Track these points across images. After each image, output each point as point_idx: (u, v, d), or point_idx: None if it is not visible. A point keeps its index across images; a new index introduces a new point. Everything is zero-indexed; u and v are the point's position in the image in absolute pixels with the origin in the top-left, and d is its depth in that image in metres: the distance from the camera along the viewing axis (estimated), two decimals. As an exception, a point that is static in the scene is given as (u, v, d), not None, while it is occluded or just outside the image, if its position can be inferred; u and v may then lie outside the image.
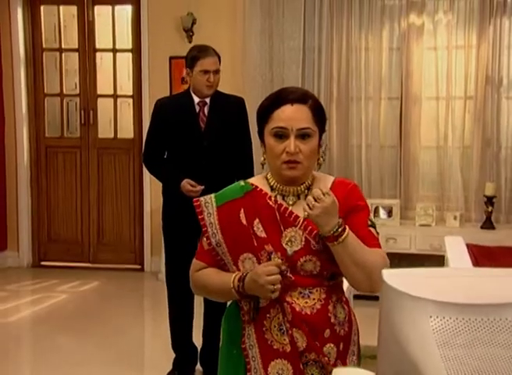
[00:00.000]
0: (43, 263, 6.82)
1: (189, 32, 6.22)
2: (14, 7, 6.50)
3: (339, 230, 1.89)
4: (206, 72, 3.83)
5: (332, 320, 2.00)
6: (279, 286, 1.89)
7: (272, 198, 2.03)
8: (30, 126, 6.70)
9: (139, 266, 6.65)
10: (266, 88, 6.05)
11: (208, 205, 2.05)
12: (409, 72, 5.96)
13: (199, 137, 3.88)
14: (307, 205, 1.89)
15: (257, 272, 1.90)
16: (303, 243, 1.97)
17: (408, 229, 5.67)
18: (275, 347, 1.96)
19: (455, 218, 5.70)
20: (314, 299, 1.98)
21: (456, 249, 3.84)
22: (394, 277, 1.31)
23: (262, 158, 2.06)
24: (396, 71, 6.01)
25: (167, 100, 4.16)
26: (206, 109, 3.91)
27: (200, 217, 2.04)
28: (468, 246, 3.98)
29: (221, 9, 6.20)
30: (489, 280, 1.30)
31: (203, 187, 3.75)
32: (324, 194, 1.88)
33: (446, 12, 5.84)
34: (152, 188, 6.42)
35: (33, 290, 6.05)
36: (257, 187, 2.06)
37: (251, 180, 2.11)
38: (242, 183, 2.09)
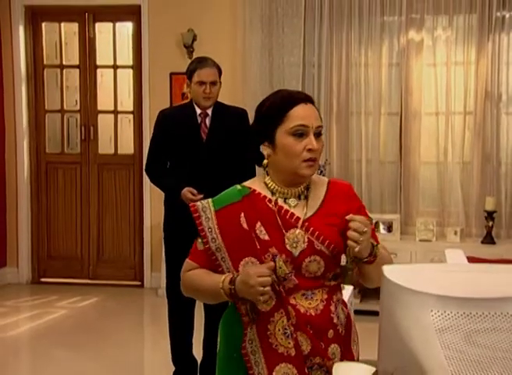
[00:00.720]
0: (42, 280, 6.81)
1: (189, 48, 6.27)
2: (15, 24, 6.56)
3: (376, 251, 1.94)
4: (202, 83, 3.87)
5: (335, 320, 2.01)
6: (269, 289, 1.88)
7: (272, 201, 2.04)
8: (30, 141, 6.73)
9: (139, 283, 6.64)
10: (266, 104, 6.09)
11: (206, 209, 2.04)
12: (408, 87, 6.00)
13: (200, 148, 3.91)
14: (354, 241, 1.86)
15: (249, 272, 1.89)
16: (306, 243, 1.99)
17: (409, 244, 5.67)
18: (279, 351, 1.95)
19: (455, 233, 5.71)
20: (317, 300, 1.99)
21: (456, 261, 3.84)
22: (395, 272, 1.32)
23: (266, 161, 2.06)
24: (395, 87, 6.05)
25: (169, 111, 4.20)
26: (208, 121, 3.95)
27: (197, 222, 2.03)
28: (469, 259, 3.98)
29: (221, 26, 6.26)
30: (489, 275, 1.31)
31: (202, 195, 3.76)
32: (362, 224, 1.87)
33: (445, 29, 5.90)
34: (152, 204, 6.44)
35: (33, 305, 6.03)
36: (254, 190, 2.06)
37: (248, 184, 2.11)
38: (239, 187, 2.08)
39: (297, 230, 2.00)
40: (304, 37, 6.06)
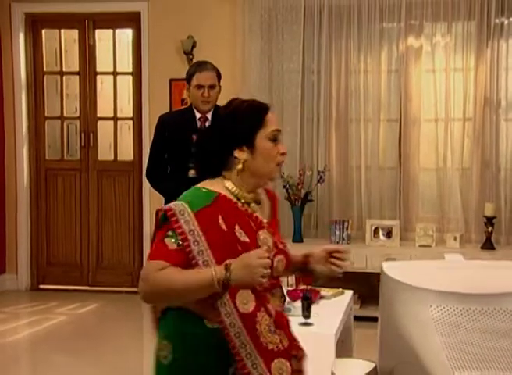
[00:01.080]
0: (42, 286, 6.81)
1: (189, 55, 6.29)
2: (16, 31, 6.59)
3: None
4: (201, 87, 3.90)
5: (285, 314, 2.15)
6: (269, 271, 1.94)
7: (239, 204, 2.07)
8: (30, 148, 6.74)
9: (138, 289, 6.62)
10: (266, 110, 6.11)
11: (184, 212, 1.99)
12: (408, 94, 6.03)
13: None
14: (338, 265, 2.16)
15: (250, 255, 1.92)
16: (272, 245, 2.09)
17: (408, 249, 5.68)
18: (270, 347, 1.99)
19: (455, 239, 5.72)
20: (281, 297, 2.13)
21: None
22: (394, 269, 1.34)
23: (240, 166, 2.06)
24: (394, 93, 6.07)
25: (169, 115, 4.23)
26: (207, 125, 3.97)
27: (176, 225, 1.97)
28: (469, 263, 3.99)
29: (221, 32, 6.28)
30: (489, 271, 1.33)
31: None
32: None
33: (444, 35, 5.93)
34: (151, 211, 6.44)
35: (32, 312, 6.03)
36: (220, 193, 2.06)
37: (209, 187, 2.08)
38: (204, 189, 2.07)
39: (265, 232, 2.07)
40: (304, 44, 6.09)
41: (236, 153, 2.06)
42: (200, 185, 2.10)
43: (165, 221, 2.01)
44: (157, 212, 2.08)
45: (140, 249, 6.63)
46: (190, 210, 1.98)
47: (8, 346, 5.15)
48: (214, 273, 1.91)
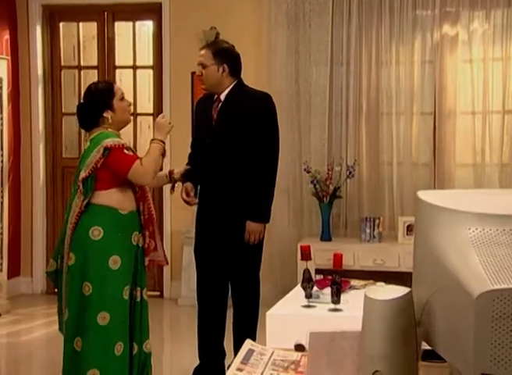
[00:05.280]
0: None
1: (212, 46, 6.32)
2: (33, 24, 6.68)
3: None
4: (198, 65, 3.97)
5: None
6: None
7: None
8: (46, 145, 6.81)
9: (158, 293, 6.64)
10: (292, 104, 6.12)
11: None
12: (442, 86, 5.99)
13: (209, 135, 3.97)
14: None
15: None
16: None
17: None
18: None
19: (494, 238, 5.64)
20: None
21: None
22: (430, 195, 1.32)
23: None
24: (428, 85, 6.05)
25: (202, 98, 4.28)
26: (219, 106, 3.98)
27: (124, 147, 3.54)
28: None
29: (245, 22, 6.32)
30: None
31: (197, 201, 3.99)
32: None
33: (482, 23, 5.89)
34: (172, 211, 6.47)
35: (47, 314, 6.04)
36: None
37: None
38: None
39: None
40: (332, 34, 6.10)
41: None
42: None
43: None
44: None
45: (160, 251, 6.63)
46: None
47: (23, 345, 5.19)
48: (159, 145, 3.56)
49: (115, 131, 3.56)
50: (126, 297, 3.44)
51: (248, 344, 1.55)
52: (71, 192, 3.63)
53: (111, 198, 3.45)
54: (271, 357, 1.55)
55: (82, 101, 3.70)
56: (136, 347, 3.54)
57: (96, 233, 3.39)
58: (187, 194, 3.97)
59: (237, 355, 1.53)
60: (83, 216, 3.42)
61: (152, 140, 3.59)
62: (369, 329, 1.24)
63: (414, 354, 1.27)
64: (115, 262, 3.40)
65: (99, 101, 3.55)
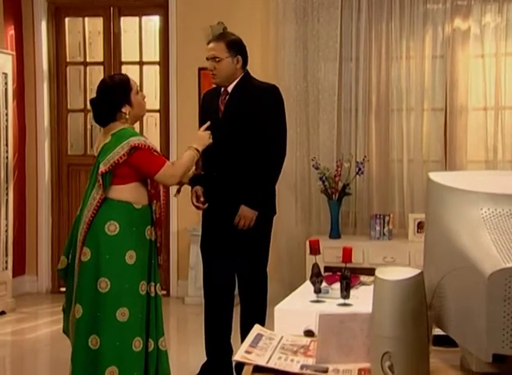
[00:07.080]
0: (63, 289, 6.83)
1: (219, 42, 6.33)
2: (38, 19, 6.71)
3: None
4: (207, 59, 3.94)
5: None
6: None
7: None
8: (51, 143, 6.83)
9: (164, 291, 6.64)
10: (300, 100, 6.12)
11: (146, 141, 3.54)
12: (454, 81, 5.98)
13: (216, 128, 3.94)
14: None
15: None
16: None
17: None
18: None
19: (507, 235, 5.63)
20: None
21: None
22: (441, 177, 1.32)
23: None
24: (439, 80, 6.04)
25: (208, 91, 4.28)
26: (226, 99, 3.98)
27: (151, 147, 3.50)
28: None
29: (253, 17, 6.32)
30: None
31: (206, 205, 3.93)
32: None
33: (495, 17, 5.87)
34: (179, 210, 6.48)
35: (52, 312, 6.06)
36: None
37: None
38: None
39: None
40: (341, 28, 6.10)
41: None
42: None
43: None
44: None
45: (166, 249, 6.63)
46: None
47: (28, 342, 5.21)
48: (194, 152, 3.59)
49: (132, 126, 3.55)
50: (143, 292, 3.42)
51: (257, 329, 1.55)
52: (86, 186, 3.59)
53: (127, 192, 3.43)
54: (280, 342, 1.56)
55: (97, 95, 3.58)
56: (152, 343, 3.49)
57: (112, 228, 3.37)
58: (197, 199, 3.95)
59: (246, 339, 1.54)
60: (99, 211, 3.40)
61: (189, 147, 3.61)
62: (379, 309, 1.24)
63: (424, 336, 1.27)
64: (130, 257, 3.38)
65: (117, 96, 3.47)
